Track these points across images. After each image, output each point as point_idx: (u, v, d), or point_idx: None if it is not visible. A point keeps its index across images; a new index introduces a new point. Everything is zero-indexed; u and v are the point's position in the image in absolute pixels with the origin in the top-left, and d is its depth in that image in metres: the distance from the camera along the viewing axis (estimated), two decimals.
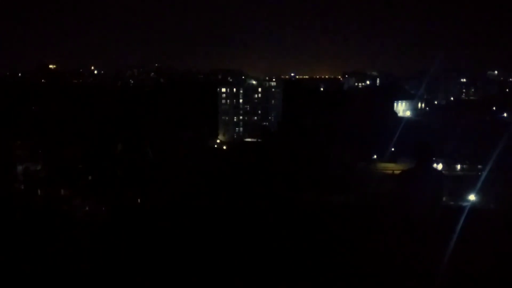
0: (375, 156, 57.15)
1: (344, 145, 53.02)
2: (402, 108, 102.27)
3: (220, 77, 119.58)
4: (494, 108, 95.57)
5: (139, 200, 27.03)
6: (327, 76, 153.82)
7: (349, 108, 76.54)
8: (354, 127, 63.71)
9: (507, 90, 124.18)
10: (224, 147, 73.46)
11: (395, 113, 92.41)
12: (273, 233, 6.63)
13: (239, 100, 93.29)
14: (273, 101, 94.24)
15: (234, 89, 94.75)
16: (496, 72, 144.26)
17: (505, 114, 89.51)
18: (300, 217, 7.80)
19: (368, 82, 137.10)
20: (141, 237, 6.47)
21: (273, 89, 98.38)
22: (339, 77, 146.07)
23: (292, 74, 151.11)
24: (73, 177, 36.84)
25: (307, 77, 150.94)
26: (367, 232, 6.25)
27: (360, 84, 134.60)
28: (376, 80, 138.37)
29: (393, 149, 48.83)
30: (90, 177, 38.57)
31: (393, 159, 48.27)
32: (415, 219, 5.01)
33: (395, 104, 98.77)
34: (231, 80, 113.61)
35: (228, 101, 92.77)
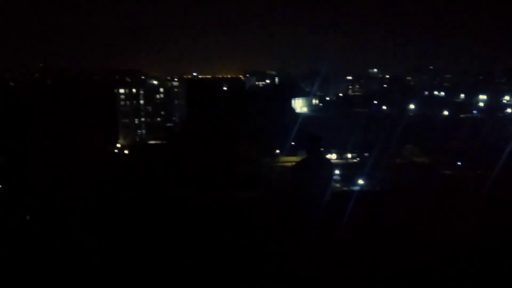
0: (278, 151, 60.05)
1: (248, 142, 54.68)
2: (299, 105, 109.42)
3: (117, 77, 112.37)
4: (375, 101, 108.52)
5: (28, 217, 23.95)
6: (229, 76, 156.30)
7: (252, 106, 79.07)
8: (257, 124, 66.10)
9: (385, 85, 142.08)
10: (126, 151, 69.42)
11: (293, 110, 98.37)
12: (183, 232, 6.62)
13: (139, 101, 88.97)
14: (176, 101, 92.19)
15: (134, 90, 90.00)
16: (375, 70, 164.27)
17: (384, 107, 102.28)
18: (208, 215, 7.90)
19: (267, 81, 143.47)
20: (34, 258, 5.85)
21: (175, 89, 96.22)
22: (241, 76, 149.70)
23: (195, 74, 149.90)
24: None
25: (209, 76, 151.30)
26: (274, 224, 6.59)
27: (260, 83, 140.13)
28: (275, 79, 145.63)
29: (293, 143, 51.92)
30: None
31: (293, 152, 51.32)
32: (308, 204, 5.49)
33: (292, 101, 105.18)
34: (129, 80, 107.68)
35: (127, 102, 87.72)
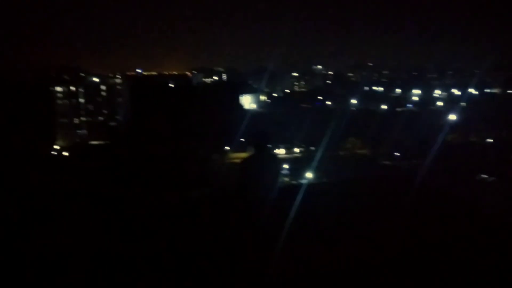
0: (227, 148, 60.05)
1: (197, 139, 54.04)
2: (247, 101, 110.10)
3: (53, 74, 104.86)
4: (320, 97, 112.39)
5: None
6: (175, 72, 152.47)
7: (199, 103, 78.07)
8: (206, 121, 65.50)
9: (328, 82, 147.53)
10: (66, 153, 65.33)
11: (242, 106, 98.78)
12: (135, 236, 6.41)
13: (79, 100, 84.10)
14: (119, 99, 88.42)
15: (72, 88, 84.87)
16: (319, 66, 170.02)
17: (328, 102, 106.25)
18: (159, 216, 7.70)
19: (215, 78, 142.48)
20: None
21: (118, 86, 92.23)
22: (188, 73, 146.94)
23: (139, 70, 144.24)
24: None
25: (155, 73, 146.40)
26: (225, 221, 6.56)
27: (208, 79, 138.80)
28: (222, 75, 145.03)
29: (242, 139, 52.23)
30: None
31: (243, 148, 51.66)
32: (257, 200, 5.43)
33: (241, 97, 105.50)
34: (67, 78, 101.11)
35: (65, 101, 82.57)
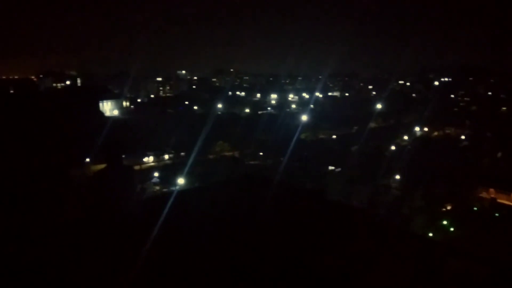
0: (87, 159, 54.56)
1: (49, 152, 47.50)
2: (108, 108, 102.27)
3: None
4: (186, 102, 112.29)
5: None
6: (16, 77, 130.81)
7: (50, 111, 68.74)
8: (59, 131, 58.08)
9: (194, 86, 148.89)
10: None
11: (102, 113, 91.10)
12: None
13: None
14: None
15: None
16: (184, 71, 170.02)
17: (195, 107, 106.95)
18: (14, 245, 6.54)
19: (68, 82, 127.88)
20: None
21: None
22: (33, 77, 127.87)
23: None
24: None
25: None
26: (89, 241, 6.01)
27: (58, 84, 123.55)
28: (77, 80, 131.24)
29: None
30: None
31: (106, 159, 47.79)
32: (116, 215, 5.08)
33: (100, 104, 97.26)
34: None
35: None
